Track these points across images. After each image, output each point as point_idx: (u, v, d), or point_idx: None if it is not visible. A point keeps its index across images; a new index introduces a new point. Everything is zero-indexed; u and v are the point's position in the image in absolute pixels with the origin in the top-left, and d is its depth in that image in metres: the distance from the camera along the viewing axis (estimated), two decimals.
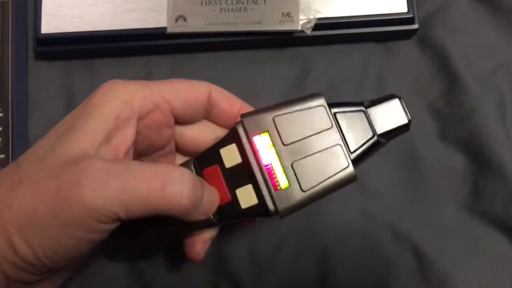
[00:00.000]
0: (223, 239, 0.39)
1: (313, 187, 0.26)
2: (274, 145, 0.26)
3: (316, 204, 0.39)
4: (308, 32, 0.39)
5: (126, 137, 0.26)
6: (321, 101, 0.27)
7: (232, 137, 0.27)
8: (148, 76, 0.42)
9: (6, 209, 0.23)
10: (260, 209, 0.26)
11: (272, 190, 0.26)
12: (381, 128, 0.28)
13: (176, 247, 0.32)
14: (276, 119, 0.26)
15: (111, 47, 0.41)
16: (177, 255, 0.39)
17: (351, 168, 0.26)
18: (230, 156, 0.27)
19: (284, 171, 0.26)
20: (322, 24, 0.40)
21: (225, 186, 0.27)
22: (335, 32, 0.40)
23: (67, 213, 0.23)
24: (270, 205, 0.26)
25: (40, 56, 0.42)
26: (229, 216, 0.27)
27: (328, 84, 0.41)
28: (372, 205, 0.39)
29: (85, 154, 0.24)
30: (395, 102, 0.28)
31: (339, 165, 0.26)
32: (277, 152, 0.26)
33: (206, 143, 0.30)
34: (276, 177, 0.26)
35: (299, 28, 0.39)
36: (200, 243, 0.30)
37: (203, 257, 0.30)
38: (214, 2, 0.39)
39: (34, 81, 0.42)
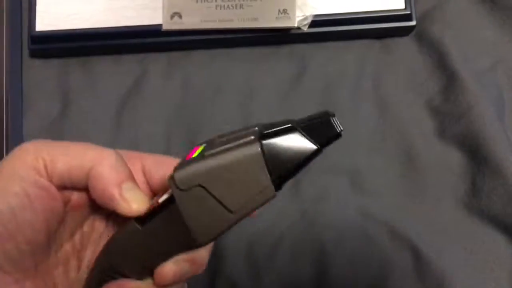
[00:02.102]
0: (219, 239, 0.39)
1: (214, 153, 0.23)
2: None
3: (314, 202, 0.39)
4: (305, 29, 0.39)
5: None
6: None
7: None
8: (143, 73, 0.41)
9: None
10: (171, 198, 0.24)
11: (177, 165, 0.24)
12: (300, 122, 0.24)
13: None
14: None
15: (106, 44, 0.41)
16: None
17: (256, 146, 0.23)
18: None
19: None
20: (319, 21, 0.39)
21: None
22: (332, 29, 0.40)
23: (7, 168, 0.23)
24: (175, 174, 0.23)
25: (35, 54, 0.42)
26: (149, 218, 0.25)
27: (325, 81, 0.41)
28: (369, 203, 0.39)
29: None
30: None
31: (245, 140, 0.23)
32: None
33: None
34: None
35: (296, 25, 0.39)
36: None
37: None
38: None
39: (28, 79, 0.42)
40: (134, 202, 0.25)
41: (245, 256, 0.39)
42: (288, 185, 0.39)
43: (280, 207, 0.39)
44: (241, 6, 0.39)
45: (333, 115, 0.24)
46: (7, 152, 0.39)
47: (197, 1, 0.39)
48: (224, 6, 0.39)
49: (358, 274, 0.38)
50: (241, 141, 0.23)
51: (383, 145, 0.40)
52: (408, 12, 0.39)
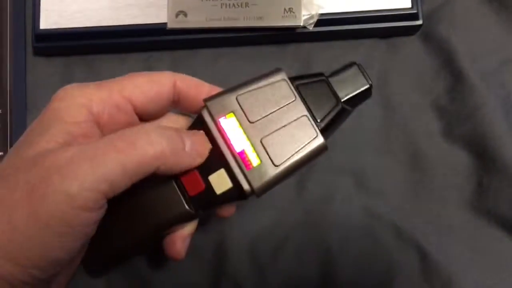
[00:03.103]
0: (224, 237, 0.39)
1: (285, 161, 0.26)
2: (241, 124, 0.26)
3: (319, 202, 0.39)
4: (311, 28, 0.39)
5: (89, 140, 0.25)
6: (282, 75, 0.27)
7: (199, 124, 0.27)
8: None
9: None
10: (235, 192, 0.26)
11: (245, 170, 0.26)
12: (344, 95, 0.28)
13: None
14: (240, 98, 0.26)
15: (111, 43, 0.41)
16: None
17: (320, 138, 0.26)
18: None
19: (254, 149, 0.26)
20: (325, 19, 0.39)
21: (197, 174, 0.26)
22: (338, 28, 0.40)
23: (48, 211, 0.21)
24: (245, 185, 0.26)
25: (39, 52, 0.42)
26: (205, 205, 0.27)
27: None
28: (375, 204, 0.39)
29: (48, 150, 0.23)
30: (355, 69, 0.28)
31: (308, 136, 0.26)
32: (244, 131, 0.26)
33: None
34: (247, 156, 0.26)
35: (301, 24, 0.38)
36: (180, 241, 0.29)
37: (184, 255, 0.29)
38: None
39: (32, 77, 0.41)
40: (202, 152, 0.26)
41: (249, 256, 0.38)
42: (292, 185, 0.39)
43: (284, 207, 0.39)
44: (246, 5, 0.39)
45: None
46: None
47: (202, 0, 0.39)
48: (229, 4, 0.39)
49: (363, 275, 0.38)
50: (305, 141, 0.26)
51: (388, 145, 0.40)
52: (415, 11, 0.39)
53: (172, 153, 0.24)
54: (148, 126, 0.25)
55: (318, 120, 0.27)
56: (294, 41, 0.41)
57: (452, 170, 0.39)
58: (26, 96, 0.41)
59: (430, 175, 0.39)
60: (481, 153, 0.38)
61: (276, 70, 0.27)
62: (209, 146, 0.27)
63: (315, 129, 0.26)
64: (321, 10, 0.39)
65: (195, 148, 0.26)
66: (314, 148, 0.26)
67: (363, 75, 0.28)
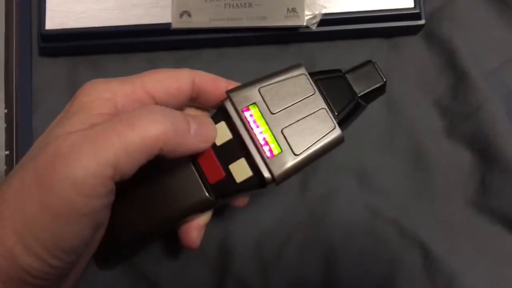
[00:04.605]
0: (228, 236, 0.39)
1: (304, 150, 0.27)
2: (262, 115, 0.27)
3: (322, 201, 0.39)
4: (314, 27, 0.39)
5: None
6: (302, 70, 0.28)
7: (220, 115, 0.28)
8: None
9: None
10: (255, 181, 0.27)
11: (266, 158, 0.27)
12: (360, 90, 0.29)
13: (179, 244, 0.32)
14: (262, 91, 0.27)
15: (116, 43, 0.41)
16: (181, 253, 0.39)
17: (337, 130, 0.27)
18: (220, 133, 0.28)
19: (275, 139, 0.27)
20: (328, 19, 0.39)
21: (218, 163, 0.27)
22: (341, 28, 0.40)
23: (57, 200, 0.21)
24: (266, 173, 0.27)
25: (45, 52, 0.42)
26: (225, 193, 0.28)
27: None
28: (378, 202, 0.39)
29: (54, 137, 0.23)
30: (370, 66, 0.30)
31: (326, 127, 0.27)
32: (266, 122, 0.27)
33: None
34: (268, 145, 0.27)
35: (305, 24, 0.39)
36: (196, 231, 0.29)
37: (199, 244, 0.30)
38: None
39: (38, 77, 0.42)
40: (208, 136, 0.27)
41: (253, 254, 0.39)
42: (295, 184, 0.39)
43: (287, 206, 0.39)
44: (250, 5, 0.39)
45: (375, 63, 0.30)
46: (17, 149, 0.39)
47: (206, 0, 0.39)
48: (233, 4, 0.39)
49: (366, 273, 0.38)
50: (324, 133, 0.27)
51: (391, 144, 0.40)
52: (417, 11, 0.39)
53: (176, 134, 0.24)
54: (153, 106, 0.25)
55: (336, 113, 0.28)
56: (297, 41, 0.42)
57: (455, 168, 0.39)
58: (31, 96, 0.41)
59: (432, 173, 0.39)
60: (484, 151, 0.38)
61: (296, 65, 0.28)
62: (215, 131, 0.27)
63: (333, 122, 0.27)
64: (324, 10, 0.39)
65: (200, 132, 0.26)
66: (332, 139, 0.27)
67: (378, 72, 0.30)
